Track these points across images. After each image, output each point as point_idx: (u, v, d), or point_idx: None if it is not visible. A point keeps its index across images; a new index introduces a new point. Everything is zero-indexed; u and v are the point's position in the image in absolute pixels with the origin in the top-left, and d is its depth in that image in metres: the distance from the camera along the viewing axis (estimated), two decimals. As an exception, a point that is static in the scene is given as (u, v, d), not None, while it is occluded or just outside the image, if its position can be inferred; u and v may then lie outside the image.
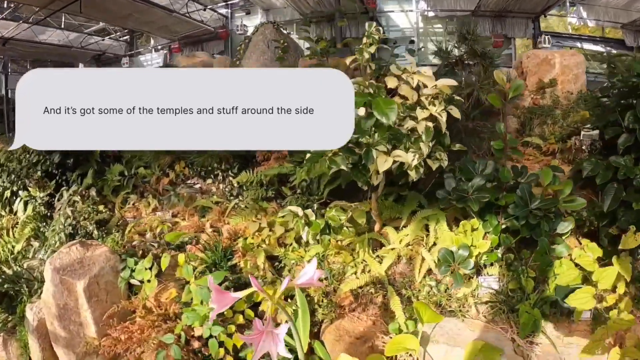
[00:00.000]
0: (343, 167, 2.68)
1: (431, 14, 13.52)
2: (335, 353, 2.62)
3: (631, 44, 14.13)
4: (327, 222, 2.99)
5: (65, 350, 3.59)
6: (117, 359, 3.37)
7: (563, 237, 3.11)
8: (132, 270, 3.39)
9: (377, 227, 3.39)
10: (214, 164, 4.37)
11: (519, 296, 2.83)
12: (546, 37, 13.15)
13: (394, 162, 2.80)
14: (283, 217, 3.14)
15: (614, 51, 14.44)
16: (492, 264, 2.98)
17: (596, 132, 4.37)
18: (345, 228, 3.08)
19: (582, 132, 4.43)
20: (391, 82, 3.01)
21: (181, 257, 3.24)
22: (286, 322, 1.96)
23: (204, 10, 14.77)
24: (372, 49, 3.11)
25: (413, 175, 2.92)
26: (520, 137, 4.86)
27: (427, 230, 3.29)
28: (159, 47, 17.28)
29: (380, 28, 3.15)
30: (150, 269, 3.31)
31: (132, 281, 3.39)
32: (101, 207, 4.67)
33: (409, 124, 2.92)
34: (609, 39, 14.67)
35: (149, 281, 3.27)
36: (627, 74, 4.11)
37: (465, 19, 12.79)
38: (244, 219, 3.64)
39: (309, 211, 2.99)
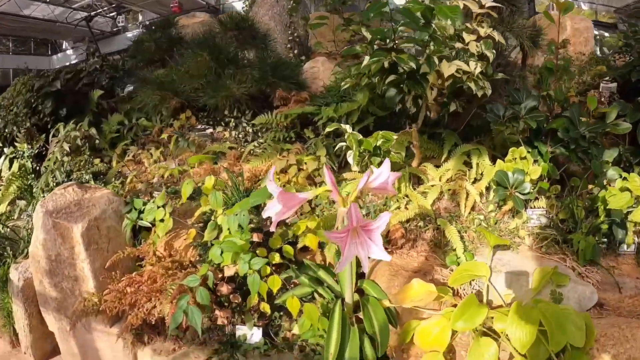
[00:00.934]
0: (412, 64, 2.31)
1: None
2: (394, 288, 2.26)
3: (624, 29, 14.11)
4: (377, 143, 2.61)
5: (57, 315, 3.08)
6: (121, 318, 2.93)
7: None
8: (141, 212, 2.92)
9: (415, 162, 3.03)
10: (225, 111, 3.92)
11: (570, 226, 2.68)
12: (553, 3, 12.96)
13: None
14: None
15: (607, 34, 14.63)
16: (539, 197, 2.78)
17: (614, 84, 4.29)
18: (393, 153, 2.69)
19: (602, 85, 4.32)
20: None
21: (209, 181, 2.70)
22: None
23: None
24: None
25: (474, 87, 2.55)
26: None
27: (469, 166, 3.01)
28: (147, 22, 16.66)
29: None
30: (164, 207, 2.83)
31: (141, 223, 2.90)
32: (97, 161, 4.21)
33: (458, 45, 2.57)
34: (601, 22, 14.67)
35: (162, 221, 2.78)
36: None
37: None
38: (264, 161, 3.21)
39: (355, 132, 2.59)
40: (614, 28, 14.43)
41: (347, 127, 2.67)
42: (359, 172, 2.86)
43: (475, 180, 2.95)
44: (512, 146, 2.93)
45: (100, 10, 16.48)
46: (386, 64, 2.44)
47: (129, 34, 17.16)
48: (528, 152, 2.84)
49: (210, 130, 3.96)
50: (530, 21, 4.32)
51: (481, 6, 2.87)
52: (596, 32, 14.57)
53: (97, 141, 4.28)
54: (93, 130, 4.17)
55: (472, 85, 2.58)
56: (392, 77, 2.42)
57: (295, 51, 5.30)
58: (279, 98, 3.79)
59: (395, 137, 2.79)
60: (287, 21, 5.56)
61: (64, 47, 19.64)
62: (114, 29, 17.49)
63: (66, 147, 3.83)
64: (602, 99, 4.24)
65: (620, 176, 2.83)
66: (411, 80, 2.37)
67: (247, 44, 4.28)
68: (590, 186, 2.88)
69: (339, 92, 3.61)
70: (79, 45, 17.52)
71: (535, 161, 2.88)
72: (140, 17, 17.01)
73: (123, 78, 5.63)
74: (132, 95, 4.67)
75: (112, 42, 17.24)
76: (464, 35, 2.73)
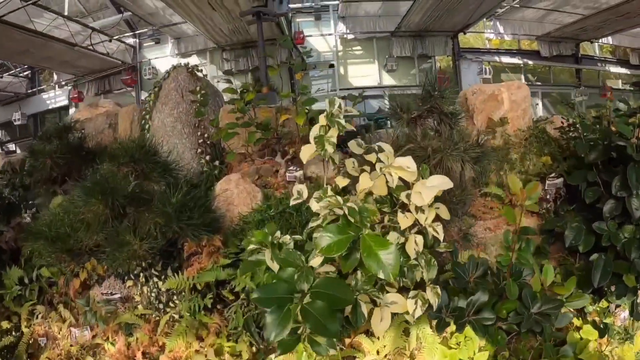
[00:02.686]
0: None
1: (350, 36, 13.31)
2: None
3: (545, 54, 14.91)
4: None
5: None
6: None
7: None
8: None
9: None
10: (133, 263, 3.57)
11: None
12: (486, 67, 13.46)
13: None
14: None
15: (530, 62, 15.42)
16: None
17: (560, 179, 4.20)
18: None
19: (547, 182, 4.19)
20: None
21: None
22: None
23: (110, 41, 13.59)
24: (335, 137, 2.40)
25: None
26: (477, 187, 4.53)
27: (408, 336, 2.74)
28: (63, 82, 15.77)
29: (342, 102, 2.44)
30: None
31: None
32: (4, 323, 3.77)
33: (392, 236, 2.34)
34: (525, 51, 15.42)
35: None
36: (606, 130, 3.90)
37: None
38: (183, 338, 2.92)
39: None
40: (537, 55, 15.26)
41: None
42: None
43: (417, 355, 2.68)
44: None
45: (13, 70, 15.47)
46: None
47: (45, 95, 16.23)
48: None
49: (118, 295, 3.59)
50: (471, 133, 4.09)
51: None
52: (520, 62, 15.33)
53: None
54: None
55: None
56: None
57: (207, 157, 4.84)
58: (188, 251, 3.50)
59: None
60: (195, 120, 5.04)
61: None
62: (29, 91, 16.45)
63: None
64: (548, 196, 4.15)
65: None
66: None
67: (147, 178, 3.94)
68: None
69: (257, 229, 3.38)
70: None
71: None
72: (55, 77, 16.08)
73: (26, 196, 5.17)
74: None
75: (28, 103, 16.22)
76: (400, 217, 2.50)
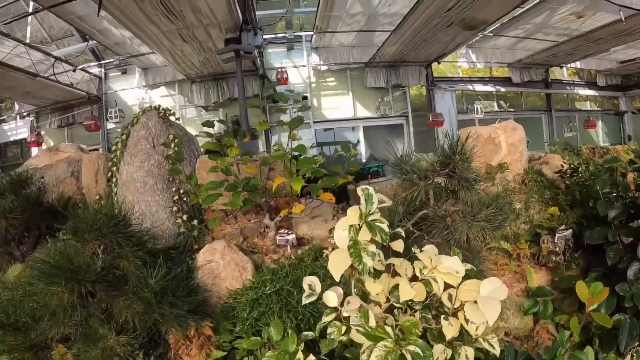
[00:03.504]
0: None
1: (324, 67, 13.05)
2: None
3: (517, 80, 15.16)
4: None
5: None
6: None
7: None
8: None
9: None
10: None
11: None
12: (477, 106, 13.44)
13: None
14: None
15: (503, 89, 15.59)
16: None
17: (569, 231, 4.00)
18: None
19: (557, 235, 3.97)
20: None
21: None
22: None
23: (74, 71, 12.88)
24: (374, 247, 1.90)
25: None
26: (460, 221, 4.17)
27: None
28: (25, 113, 14.86)
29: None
30: None
31: None
32: None
33: (437, 350, 1.89)
34: (497, 78, 15.60)
35: None
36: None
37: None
38: None
39: None
40: (509, 82, 15.42)
41: None
42: None
43: None
44: None
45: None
46: None
47: (5, 126, 15.31)
48: None
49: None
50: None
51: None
52: (493, 89, 15.49)
53: None
54: None
55: None
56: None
57: (184, 216, 4.35)
58: (175, 345, 2.96)
59: None
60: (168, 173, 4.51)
61: None
62: None
63: None
64: (557, 249, 3.98)
65: None
66: None
67: (119, 255, 3.38)
68: None
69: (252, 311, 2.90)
70: None
71: None
72: (16, 107, 15.18)
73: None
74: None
75: None
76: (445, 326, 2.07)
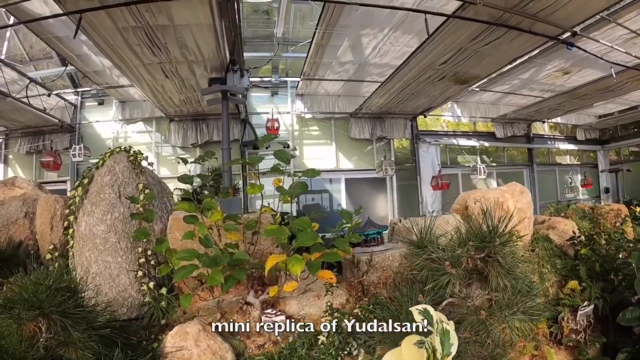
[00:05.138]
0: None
1: (308, 115, 12.70)
2: None
3: (500, 135, 15.29)
4: None
5: None
6: None
7: None
8: None
9: None
10: None
11: None
12: (480, 167, 13.32)
13: None
14: None
15: (486, 144, 15.66)
16: None
17: (591, 307, 3.80)
18: None
19: (579, 312, 3.72)
20: None
21: None
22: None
23: (49, 96, 12.13)
24: None
25: None
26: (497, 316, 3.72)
27: None
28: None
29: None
30: None
31: None
32: None
33: None
34: (480, 132, 15.67)
35: None
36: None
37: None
38: None
39: None
40: (492, 136, 15.49)
41: None
42: None
43: None
44: None
45: None
46: None
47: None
48: None
49: None
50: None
51: None
52: (476, 144, 15.52)
53: None
54: None
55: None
56: None
57: (151, 283, 3.66)
58: None
59: None
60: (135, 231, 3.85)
61: None
62: None
63: None
64: (579, 327, 3.74)
65: None
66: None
67: (65, 341, 2.69)
68: None
69: None
70: None
71: None
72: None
73: None
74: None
75: None
76: None
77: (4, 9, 7.40)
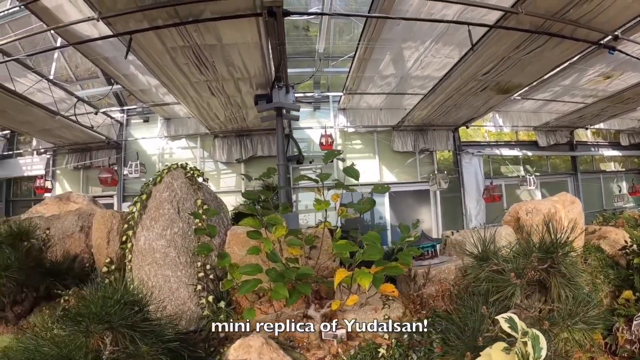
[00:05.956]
0: None
1: (350, 129, 12.75)
2: None
3: (543, 144, 14.86)
4: None
5: None
6: None
7: None
8: None
9: None
10: None
11: None
12: (530, 178, 13.10)
13: None
14: None
15: (529, 153, 15.26)
16: None
17: None
18: None
19: (634, 322, 3.64)
20: None
21: None
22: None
23: (95, 114, 12.68)
24: None
25: None
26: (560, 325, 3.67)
27: None
28: (42, 149, 14.56)
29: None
30: None
31: None
32: None
33: None
34: (523, 142, 15.31)
35: None
36: None
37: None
38: None
39: None
40: (535, 145, 15.14)
41: None
42: None
43: None
44: None
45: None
46: None
47: (21, 160, 14.98)
48: None
49: None
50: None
51: None
52: (519, 153, 15.18)
53: None
54: None
55: None
56: None
57: (210, 297, 3.76)
58: None
59: None
60: (194, 246, 3.94)
61: None
62: (4, 152, 15.17)
63: None
64: (633, 337, 3.62)
65: None
66: None
67: (131, 355, 2.77)
68: None
69: None
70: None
71: None
72: (34, 143, 14.94)
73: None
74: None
75: (2, 165, 14.89)
76: None
77: (52, 32, 7.81)
